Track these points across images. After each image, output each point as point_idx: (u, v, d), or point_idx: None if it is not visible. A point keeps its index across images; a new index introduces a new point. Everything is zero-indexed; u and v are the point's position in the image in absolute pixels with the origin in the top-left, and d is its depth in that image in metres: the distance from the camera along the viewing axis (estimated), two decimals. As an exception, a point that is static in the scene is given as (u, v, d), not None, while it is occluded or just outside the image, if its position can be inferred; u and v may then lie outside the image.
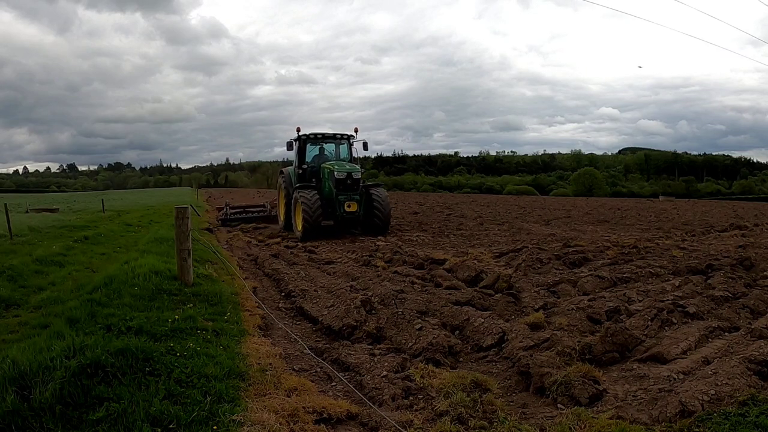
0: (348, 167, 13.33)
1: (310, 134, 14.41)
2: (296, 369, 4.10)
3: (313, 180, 13.90)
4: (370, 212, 13.34)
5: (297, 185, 13.51)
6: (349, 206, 12.96)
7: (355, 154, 14.86)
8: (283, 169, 15.82)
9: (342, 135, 14.86)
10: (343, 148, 15.01)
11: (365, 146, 14.81)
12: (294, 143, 14.23)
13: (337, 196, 12.90)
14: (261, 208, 19.02)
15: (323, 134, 14.73)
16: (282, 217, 15.07)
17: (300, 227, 12.77)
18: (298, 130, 14.29)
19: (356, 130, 14.84)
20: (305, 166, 14.37)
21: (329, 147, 15.12)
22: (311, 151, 14.85)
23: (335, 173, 13.00)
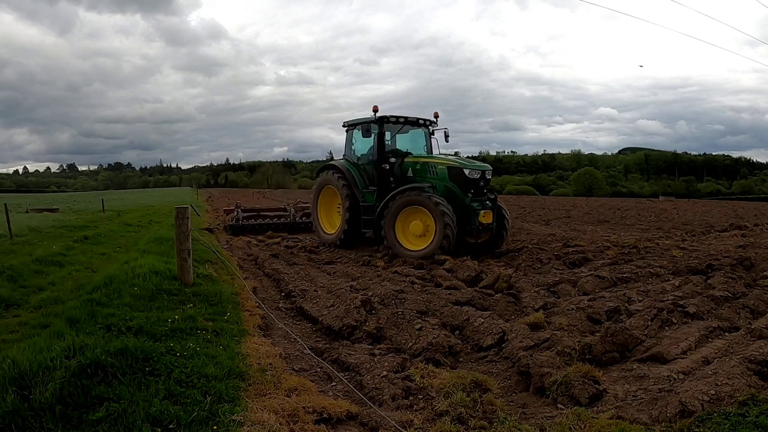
0: (479, 164, 10.32)
1: (391, 116, 10.78)
2: (296, 369, 4.10)
3: (390, 180, 10.59)
4: (498, 223, 10.29)
5: (407, 187, 9.83)
6: (484, 216, 9.74)
7: (434, 147, 11.60)
8: (334, 162, 11.83)
9: (424, 120, 11.39)
10: (420, 137, 11.66)
11: (447, 136, 11.57)
12: (372, 127, 10.60)
13: (470, 203, 9.76)
14: (280, 212, 15.64)
15: (405, 118, 11.05)
16: (332, 228, 11.62)
17: (433, 245, 9.18)
18: (376, 109, 10.74)
19: (436, 116, 11.50)
20: (372, 158, 10.93)
21: (402, 135, 11.63)
22: (365, 141, 11.32)
23: (466, 171, 9.87)
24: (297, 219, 15.03)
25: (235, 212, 14.69)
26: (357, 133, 11.41)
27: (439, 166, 10.15)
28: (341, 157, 11.96)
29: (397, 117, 10.86)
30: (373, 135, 10.66)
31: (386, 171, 10.62)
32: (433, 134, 11.57)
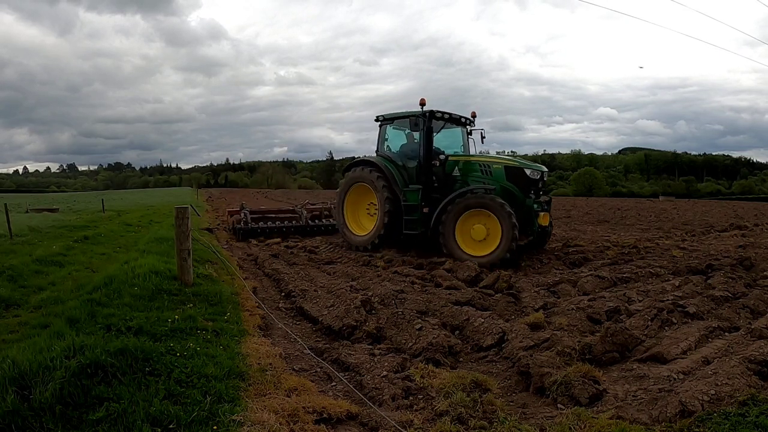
0: (537, 165, 9.79)
1: (437, 111, 9.92)
2: (296, 369, 4.10)
3: (433, 179, 9.83)
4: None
5: (469, 188, 9.17)
6: (543, 218, 9.42)
7: (471, 146, 10.98)
8: (368, 158, 10.74)
9: (466, 119, 10.78)
10: (458, 135, 10.93)
11: (483, 138, 10.80)
12: (421, 121, 9.76)
13: (531, 204, 9.32)
14: (290, 215, 14.31)
15: (450, 114, 10.30)
16: (361, 229, 10.72)
17: (499, 250, 8.51)
18: (423, 102, 9.90)
19: (474, 116, 10.93)
20: (414, 155, 10.10)
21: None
22: (401, 136, 10.77)
23: (527, 172, 9.34)
24: (309, 222, 13.78)
25: (242, 214, 13.43)
26: (390, 129, 10.74)
27: (495, 166, 9.53)
28: (373, 154, 10.91)
29: (443, 112, 10.06)
30: (422, 129, 9.79)
31: (433, 169, 9.80)
32: (471, 134, 10.99)
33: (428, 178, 9.75)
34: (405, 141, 10.69)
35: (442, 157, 9.84)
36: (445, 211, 8.97)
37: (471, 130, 10.87)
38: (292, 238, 12.73)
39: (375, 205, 10.43)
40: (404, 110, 10.42)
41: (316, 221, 13.98)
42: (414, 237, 9.79)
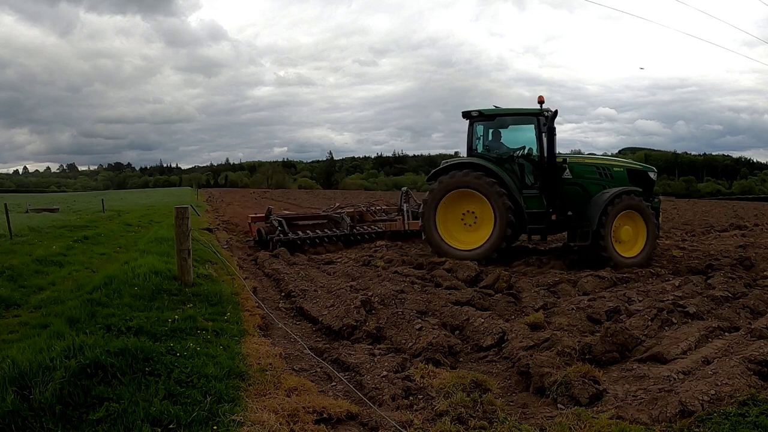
0: (652, 167, 9.67)
1: (545, 109, 9.24)
2: (296, 369, 4.11)
3: (555, 183, 9.07)
4: None
5: (622, 190, 8.63)
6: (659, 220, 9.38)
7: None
8: (471, 160, 9.39)
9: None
10: (531, 133, 9.56)
11: (552, 130, 9.17)
12: (543, 119, 9.09)
13: (657, 206, 9.24)
14: (326, 221, 12.32)
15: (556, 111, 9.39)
16: (456, 241, 9.30)
17: (645, 252, 8.55)
18: (542, 100, 9.18)
19: (541, 101, 9.39)
20: (527, 155, 9.35)
21: (509, 130, 9.89)
22: (506, 135, 9.78)
23: (651, 175, 9.40)
24: (355, 230, 11.94)
25: (273, 222, 11.26)
26: (479, 127, 9.72)
27: (615, 168, 9.27)
28: (467, 155, 9.72)
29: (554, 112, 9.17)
30: (542, 129, 9.11)
31: (556, 172, 9.05)
32: (544, 125, 9.52)
33: (553, 182, 9.06)
34: (491, 139, 9.71)
35: (567, 159, 9.22)
36: (606, 215, 8.45)
37: (541, 120, 9.32)
38: (326, 248, 11.17)
39: (473, 213, 9.21)
40: (508, 107, 9.71)
41: (363, 228, 12.33)
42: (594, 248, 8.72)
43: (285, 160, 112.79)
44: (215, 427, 2.81)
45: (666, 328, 4.84)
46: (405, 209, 12.14)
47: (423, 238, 9.57)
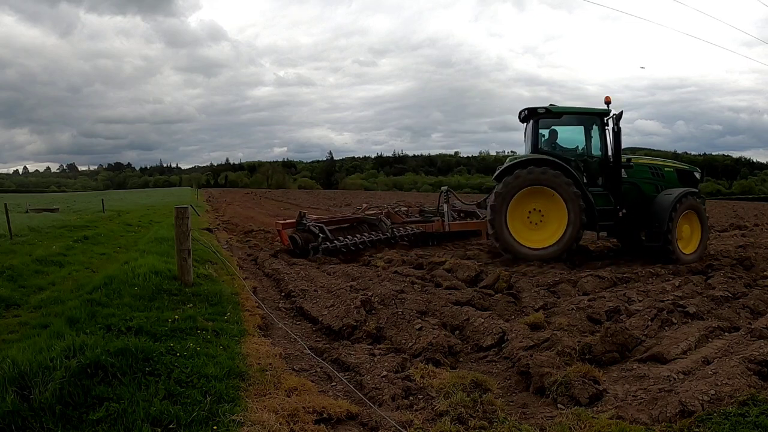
0: (696, 168, 10.04)
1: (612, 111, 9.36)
2: (296, 369, 4.10)
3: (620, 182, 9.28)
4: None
5: (686, 191, 9.07)
6: None
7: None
8: (545, 156, 9.24)
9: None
10: (596, 132, 9.63)
11: (619, 130, 9.27)
12: (612, 120, 9.20)
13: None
14: (355, 224, 11.61)
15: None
16: (526, 240, 9.18)
17: (699, 250, 9.07)
18: (609, 100, 9.30)
19: (608, 101, 9.49)
20: (591, 155, 9.46)
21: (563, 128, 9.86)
22: (566, 133, 9.85)
23: (697, 175, 9.77)
24: (398, 232, 11.35)
25: (311, 228, 10.33)
26: (543, 124, 9.65)
27: (666, 169, 9.66)
28: (531, 152, 9.57)
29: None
30: (607, 129, 9.28)
31: (620, 170, 9.25)
32: (607, 125, 9.68)
33: (617, 181, 9.26)
34: (554, 137, 9.76)
35: (630, 159, 9.44)
36: (675, 213, 8.82)
37: (607, 120, 9.41)
38: (369, 252, 10.37)
39: (539, 212, 9.17)
40: (573, 105, 9.78)
41: (402, 229, 11.57)
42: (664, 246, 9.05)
43: (285, 160, 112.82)
44: (215, 427, 2.81)
45: (666, 328, 4.84)
46: (445, 210, 11.69)
47: (489, 235, 9.42)
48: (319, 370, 4.17)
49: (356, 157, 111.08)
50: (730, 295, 6.04)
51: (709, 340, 4.46)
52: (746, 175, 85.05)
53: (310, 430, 2.96)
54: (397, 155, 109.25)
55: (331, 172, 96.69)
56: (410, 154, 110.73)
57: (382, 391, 3.59)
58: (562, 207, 8.89)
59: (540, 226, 9.21)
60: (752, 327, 4.52)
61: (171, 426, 2.79)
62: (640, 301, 5.88)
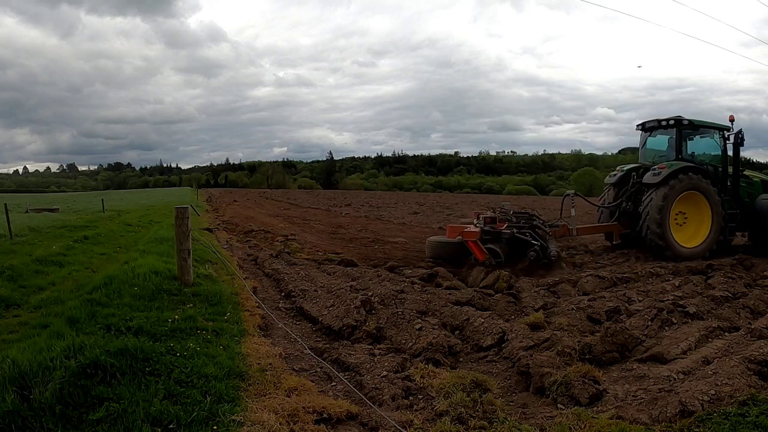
0: None
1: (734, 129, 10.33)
2: (296, 369, 4.10)
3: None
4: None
5: None
6: None
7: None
8: (693, 165, 9.93)
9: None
10: (715, 145, 10.63)
11: (741, 140, 10.21)
12: (739, 133, 10.11)
13: None
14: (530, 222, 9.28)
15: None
16: (688, 237, 9.79)
17: None
18: (733, 119, 10.27)
19: (732, 119, 10.42)
20: (715, 166, 10.37)
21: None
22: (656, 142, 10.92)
23: None
24: (573, 233, 10.64)
25: (519, 236, 8.39)
26: (657, 135, 10.82)
27: (755, 179, 10.53)
28: (674, 158, 10.22)
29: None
30: (728, 143, 10.30)
31: (738, 180, 10.33)
32: (728, 139, 10.58)
33: (736, 188, 10.29)
34: (665, 148, 10.69)
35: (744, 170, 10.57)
36: None
37: (728, 135, 10.43)
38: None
39: (683, 214, 9.91)
40: (704, 119, 10.61)
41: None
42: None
43: (285, 160, 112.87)
44: (215, 427, 2.81)
45: (666, 328, 4.84)
46: (573, 214, 11.06)
47: (650, 235, 9.58)
48: (319, 370, 4.17)
49: (356, 157, 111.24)
50: (730, 295, 6.04)
51: (709, 340, 4.46)
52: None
53: (310, 430, 2.96)
54: (396, 155, 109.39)
55: (331, 172, 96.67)
56: (410, 154, 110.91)
57: (382, 391, 3.59)
58: (705, 210, 9.75)
59: (682, 228, 9.88)
60: (752, 327, 4.52)
61: (171, 426, 2.79)
62: (640, 301, 5.88)
